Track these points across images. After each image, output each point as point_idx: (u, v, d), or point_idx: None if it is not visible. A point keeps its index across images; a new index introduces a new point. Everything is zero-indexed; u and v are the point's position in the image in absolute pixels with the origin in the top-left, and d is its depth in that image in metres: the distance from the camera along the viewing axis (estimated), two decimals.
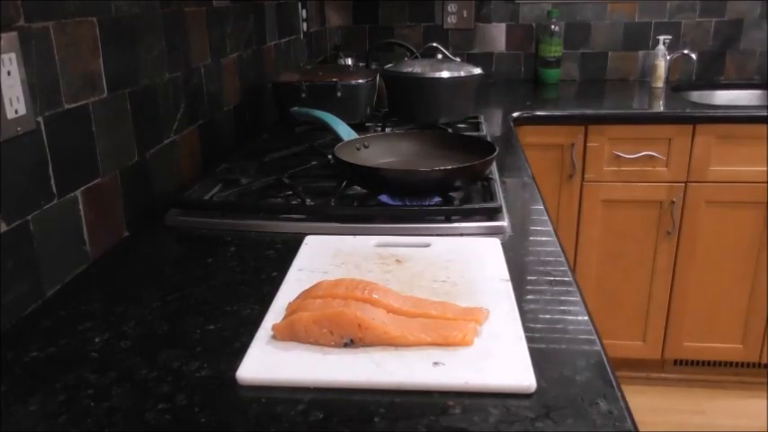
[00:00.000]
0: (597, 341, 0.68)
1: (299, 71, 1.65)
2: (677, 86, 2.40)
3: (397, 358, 0.62)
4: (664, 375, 2.24)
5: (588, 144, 1.98)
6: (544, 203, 1.10)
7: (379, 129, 1.59)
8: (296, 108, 1.49)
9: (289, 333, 0.65)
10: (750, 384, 2.18)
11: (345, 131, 1.31)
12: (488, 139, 1.40)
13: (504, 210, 1.00)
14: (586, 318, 0.73)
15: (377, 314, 0.65)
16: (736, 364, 2.19)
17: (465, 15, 2.50)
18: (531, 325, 0.70)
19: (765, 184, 1.95)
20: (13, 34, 0.73)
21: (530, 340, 0.65)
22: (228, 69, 1.43)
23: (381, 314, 0.66)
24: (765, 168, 1.94)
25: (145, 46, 1.04)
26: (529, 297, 0.77)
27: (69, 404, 0.59)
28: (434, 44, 1.87)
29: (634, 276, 2.10)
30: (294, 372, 0.61)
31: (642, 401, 2.12)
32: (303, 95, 1.52)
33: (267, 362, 0.62)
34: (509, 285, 0.76)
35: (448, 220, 0.97)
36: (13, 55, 0.72)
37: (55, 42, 0.81)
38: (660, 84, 2.36)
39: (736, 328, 2.12)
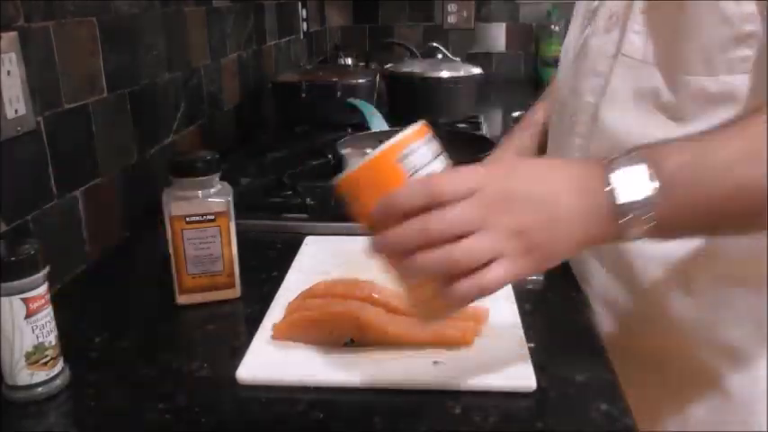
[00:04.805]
0: (597, 340, 0.68)
1: (299, 71, 1.65)
2: None
3: (397, 358, 0.62)
4: None
5: None
6: None
7: None
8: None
9: (289, 333, 0.65)
10: None
11: (377, 124, 1.31)
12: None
13: None
14: (586, 317, 0.72)
15: (377, 314, 0.65)
16: None
17: (465, 15, 2.50)
18: (531, 325, 0.70)
19: None
20: (13, 34, 0.73)
21: (530, 340, 0.65)
22: (228, 69, 1.43)
23: (381, 314, 0.66)
24: None
25: (145, 46, 1.04)
26: (529, 297, 0.76)
27: (69, 404, 0.59)
28: (434, 44, 1.87)
29: None
30: (294, 372, 0.61)
31: None
32: (303, 95, 1.52)
33: (267, 362, 0.62)
34: (509, 285, 0.76)
35: None
36: (13, 55, 0.72)
37: (55, 42, 0.81)
38: None
39: None
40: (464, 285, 0.47)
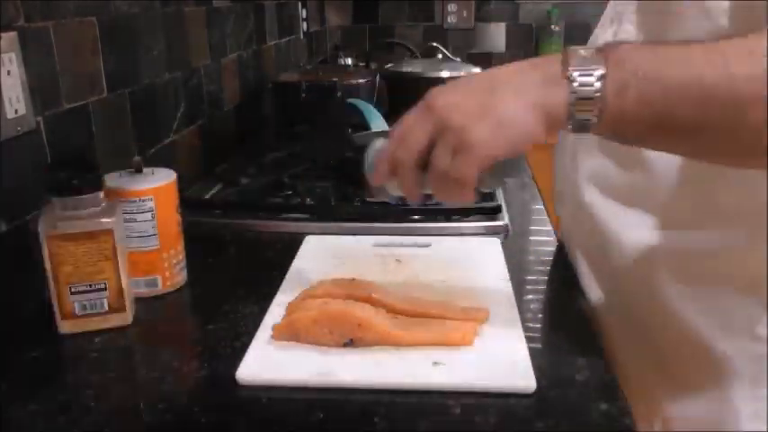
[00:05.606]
0: (597, 340, 0.68)
1: (299, 71, 1.65)
2: None
3: (397, 358, 0.62)
4: None
5: None
6: (544, 203, 1.10)
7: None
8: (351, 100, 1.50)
9: (289, 333, 0.65)
10: None
11: (377, 124, 1.31)
12: None
13: (504, 209, 1.00)
14: (586, 317, 0.73)
15: (377, 314, 0.65)
16: None
17: (465, 15, 2.50)
18: (531, 325, 0.70)
19: None
20: (13, 34, 0.73)
21: (530, 340, 0.65)
22: (228, 69, 1.43)
23: (381, 314, 0.66)
24: None
25: (145, 46, 1.04)
26: (529, 297, 0.76)
27: (69, 404, 0.59)
28: (434, 44, 1.87)
29: None
30: (294, 372, 0.61)
31: None
32: (303, 95, 1.52)
33: (267, 362, 0.62)
34: (509, 285, 0.76)
35: (448, 220, 0.98)
36: (12, 55, 0.72)
37: (55, 42, 0.81)
38: None
39: None
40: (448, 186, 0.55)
